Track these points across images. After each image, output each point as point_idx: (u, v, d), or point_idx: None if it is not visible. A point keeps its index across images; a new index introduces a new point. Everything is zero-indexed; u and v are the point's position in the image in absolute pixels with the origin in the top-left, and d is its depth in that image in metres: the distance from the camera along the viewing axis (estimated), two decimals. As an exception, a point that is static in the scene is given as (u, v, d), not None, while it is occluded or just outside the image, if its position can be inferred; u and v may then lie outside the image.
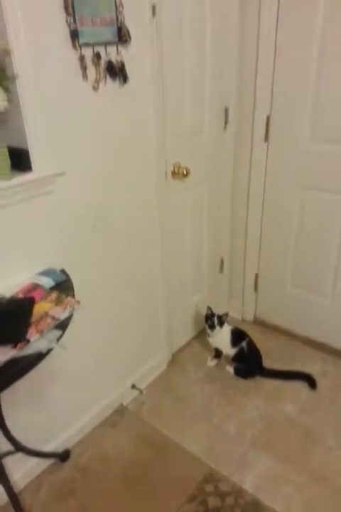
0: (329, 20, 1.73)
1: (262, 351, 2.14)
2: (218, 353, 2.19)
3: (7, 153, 1.20)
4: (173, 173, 1.87)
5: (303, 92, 1.90)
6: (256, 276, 2.44)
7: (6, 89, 1.15)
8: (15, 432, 1.45)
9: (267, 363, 2.15)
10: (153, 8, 1.51)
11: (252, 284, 2.47)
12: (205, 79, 1.90)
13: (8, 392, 1.06)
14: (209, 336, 2.13)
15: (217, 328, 2.06)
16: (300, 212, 2.13)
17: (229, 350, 2.12)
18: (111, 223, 1.66)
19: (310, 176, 2.03)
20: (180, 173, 1.86)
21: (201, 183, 2.10)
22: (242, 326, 2.21)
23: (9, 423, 1.41)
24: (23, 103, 1.23)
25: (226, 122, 2.10)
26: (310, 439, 1.78)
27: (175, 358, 2.28)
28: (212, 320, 2.07)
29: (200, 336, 2.41)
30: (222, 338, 2.10)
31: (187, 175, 1.86)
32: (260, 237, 2.34)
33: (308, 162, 2.01)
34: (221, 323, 2.07)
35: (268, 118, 2.04)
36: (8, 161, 1.21)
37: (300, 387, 2.04)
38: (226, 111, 2.08)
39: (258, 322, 2.53)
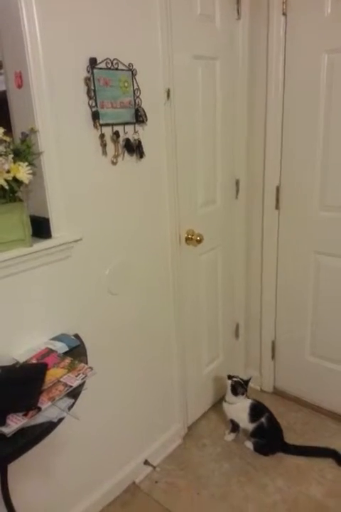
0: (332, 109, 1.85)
1: (283, 425, 2.02)
2: (235, 426, 2.06)
3: (29, 222, 1.27)
4: (187, 239, 1.91)
5: (311, 163, 1.97)
6: (273, 343, 2.37)
7: (31, 164, 1.24)
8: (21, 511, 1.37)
9: (288, 437, 2.01)
10: (168, 91, 1.65)
11: (269, 352, 2.39)
12: (216, 153, 2.00)
13: (13, 465, 1.02)
14: (226, 401, 2.03)
15: (241, 396, 1.97)
16: (316, 278, 2.11)
17: (247, 425, 2.00)
18: (126, 289, 1.68)
19: (323, 242, 2.04)
20: (193, 240, 1.91)
21: (214, 249, 2.13)
22: (261, 397, 2.11)
23: (14, 500, 1.33)
24: (46, 176, 1.32)
25: (237, 191, 2.18)
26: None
27: (191, 431, 2.17)
28: (242, 386, 1.97)
29: (217, 406, 2.30)
30: (238, 410, 2.00)
31: (200, 241, 1.90)
32: (276, 303, 2.30)
33: (320, 229, 2.04)
34: (246, 391, 1.99)
35: (277, 187, 2.11)
36: (30, 230, 1.27)
37: (325, 465, 1.89)
38: (237, 181, 2.16)
39: (278, 393, 2.41)
